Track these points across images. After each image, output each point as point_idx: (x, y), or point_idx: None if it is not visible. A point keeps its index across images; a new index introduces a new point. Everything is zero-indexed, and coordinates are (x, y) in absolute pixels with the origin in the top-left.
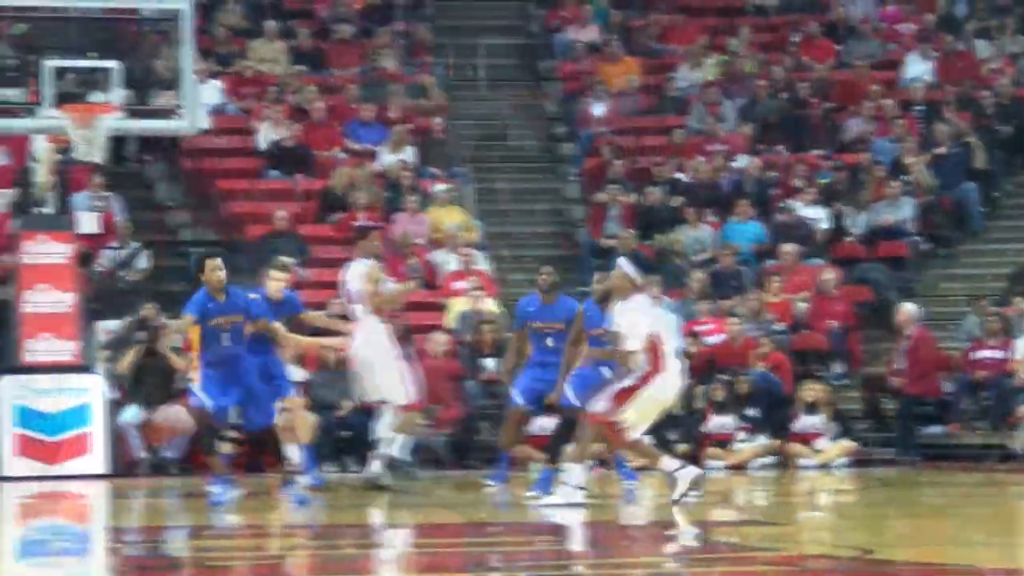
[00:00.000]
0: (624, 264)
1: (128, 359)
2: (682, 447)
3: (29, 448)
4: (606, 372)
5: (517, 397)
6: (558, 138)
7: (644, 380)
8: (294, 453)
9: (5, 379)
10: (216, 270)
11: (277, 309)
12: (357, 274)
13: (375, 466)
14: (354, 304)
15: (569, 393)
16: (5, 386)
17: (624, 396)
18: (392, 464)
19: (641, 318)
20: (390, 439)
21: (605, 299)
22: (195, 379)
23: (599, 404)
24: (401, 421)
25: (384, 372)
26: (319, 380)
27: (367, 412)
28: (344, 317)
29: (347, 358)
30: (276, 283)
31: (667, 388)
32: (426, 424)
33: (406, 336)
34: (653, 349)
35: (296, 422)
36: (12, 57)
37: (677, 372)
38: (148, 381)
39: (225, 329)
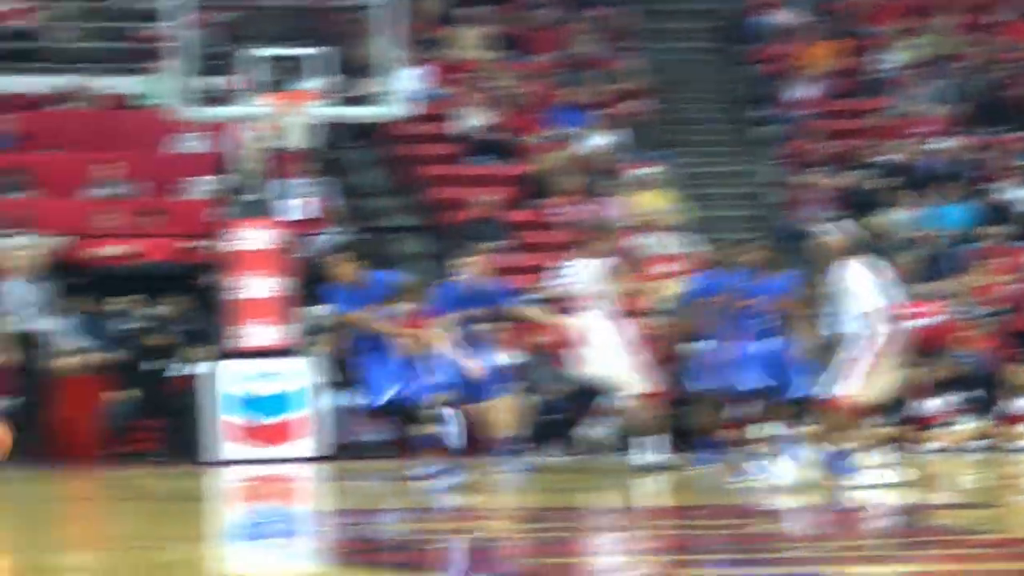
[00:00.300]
0: (837, 227)
1: (333, 343)
2: (891, 430)
3: (244, 432)
4: (776, 345)
5: (706, 380)
6: (755, 121)
7: (873, 349)
8: (503, 438)
9: (220, 365)
10: (339, 265)
11: (473, 297)
12: (592, 273)
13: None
14: (585, 301)
15: (745, 376)
16: (220, 372)
17: (858, 371)
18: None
19: (864, 281)
20: (614, 425)
21: (758, 269)
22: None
23: (840, 385)
24: (635, 410)
25: (619, 363)
26: (531, 363)
27: (579, 396)
28: (553, 301)
29: (569, 346)
30: (473, 270)
31: (891, 354)
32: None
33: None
34: (875, 314)
35: (504, 408)
36: (219, 45)
37: (897, 338)
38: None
39: None
